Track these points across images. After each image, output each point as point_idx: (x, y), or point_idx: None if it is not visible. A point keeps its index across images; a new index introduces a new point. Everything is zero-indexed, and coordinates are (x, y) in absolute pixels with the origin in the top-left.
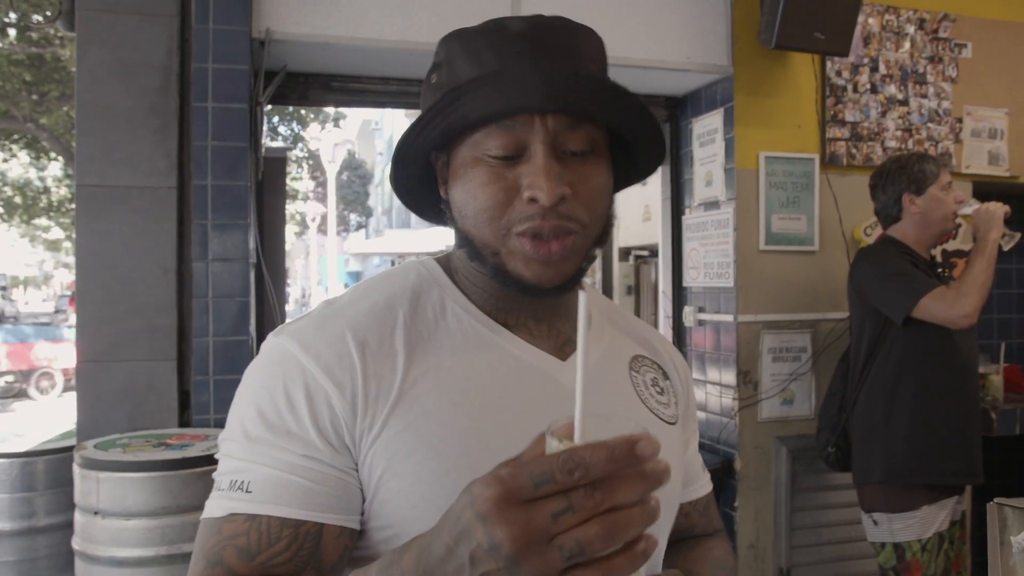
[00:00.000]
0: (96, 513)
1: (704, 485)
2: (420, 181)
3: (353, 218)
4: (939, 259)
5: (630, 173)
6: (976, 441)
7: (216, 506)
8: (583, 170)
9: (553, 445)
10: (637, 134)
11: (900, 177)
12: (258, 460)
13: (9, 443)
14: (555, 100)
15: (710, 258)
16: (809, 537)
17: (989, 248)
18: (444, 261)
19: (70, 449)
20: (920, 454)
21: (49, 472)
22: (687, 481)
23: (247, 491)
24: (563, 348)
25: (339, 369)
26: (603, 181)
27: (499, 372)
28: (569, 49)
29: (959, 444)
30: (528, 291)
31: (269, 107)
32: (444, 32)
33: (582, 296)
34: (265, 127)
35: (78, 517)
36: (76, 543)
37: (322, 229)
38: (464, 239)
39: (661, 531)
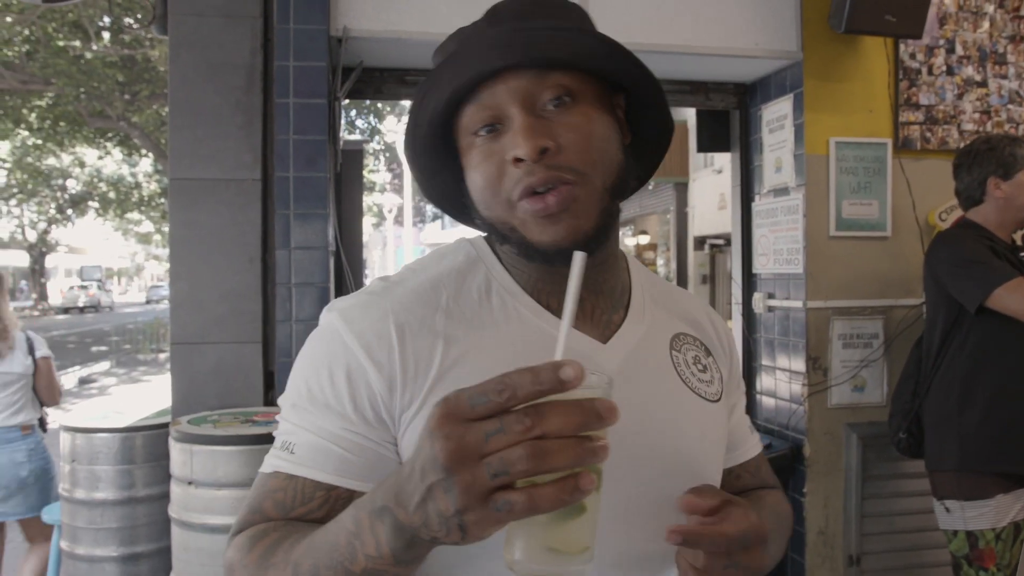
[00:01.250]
0: (190, 483)
1: (753, 447)
2: (449, 188)
3: (429, 209)
4: (1020, 243)
5: (644, 128)
6: None
7: (268, 463)
8: (566, 120)
9: None
10: (610, 68)
11: (989, 159)
12: (303, 425)
13: (111, 419)
14: (504, 56)
15: (780, 244)
16: (880, 525)
17: None
18: (492, 240)
19: (166, 425)
20: (995, 442)
21: (147, 446)
22: (733, 445)
23: (292, 452)
24: (605, 331)
25: (378, 349)
26: (594, 128)
27: (540, 355)
28: (527, 16)
29: None
30: (551, 257)
31: (347, 102)
32: None
33: (577, 257)
34: (343, 121)
35: (174, 487)
36: (173, 511)
37: (399, 220)
38: (487, 226)
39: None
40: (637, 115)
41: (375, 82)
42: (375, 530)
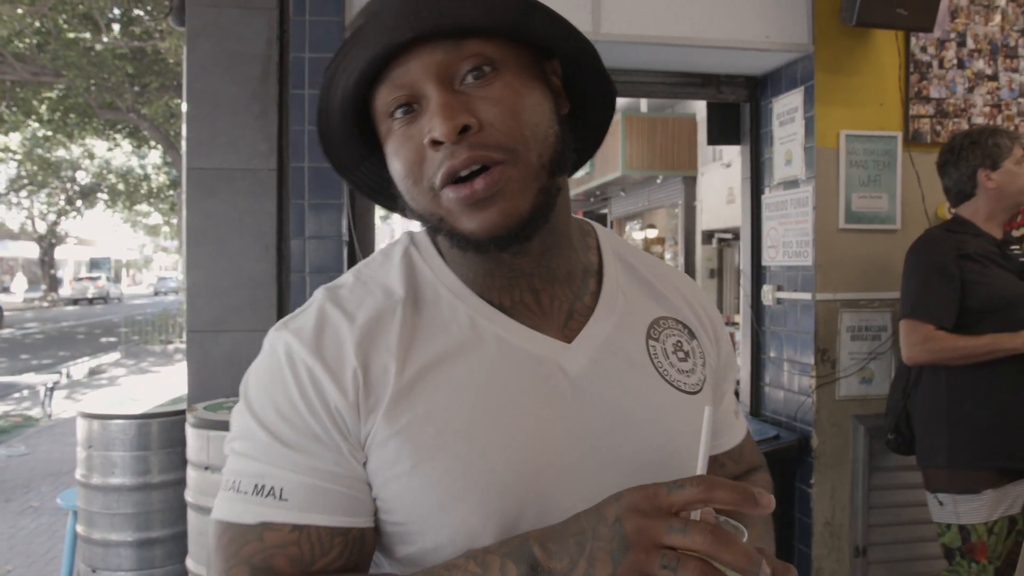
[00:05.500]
0: (207, 468)
1: (736, 434)
2: (377, 179)
3: None
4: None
5: (585, 96)
6: None
7: (243, 511)
8: (488, 93)
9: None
10: (533, 31)
11: (974, 152)
12: (287, 466)
13: (126, 406)
14: (412, 26)
15: (789, 237)
16: (886, 516)
17: (1005, 345)
18: (434, 235)
19: (181, 412)
20: (986, 437)
21: (162, 433)
22: (717, 434)
23: (281, 499)
24: (568, 324)
25: (340, 373)
26: (521, 100)
27: (497, 366)
28: None
29: None
30: (484, 246)
31: None
32: None
33: (707, 412)
34: None
35: (191, 472)
36: (189, 496)
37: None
38: (417, 217)
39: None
40: (576, 82)
41: None
42: (505, 569)
